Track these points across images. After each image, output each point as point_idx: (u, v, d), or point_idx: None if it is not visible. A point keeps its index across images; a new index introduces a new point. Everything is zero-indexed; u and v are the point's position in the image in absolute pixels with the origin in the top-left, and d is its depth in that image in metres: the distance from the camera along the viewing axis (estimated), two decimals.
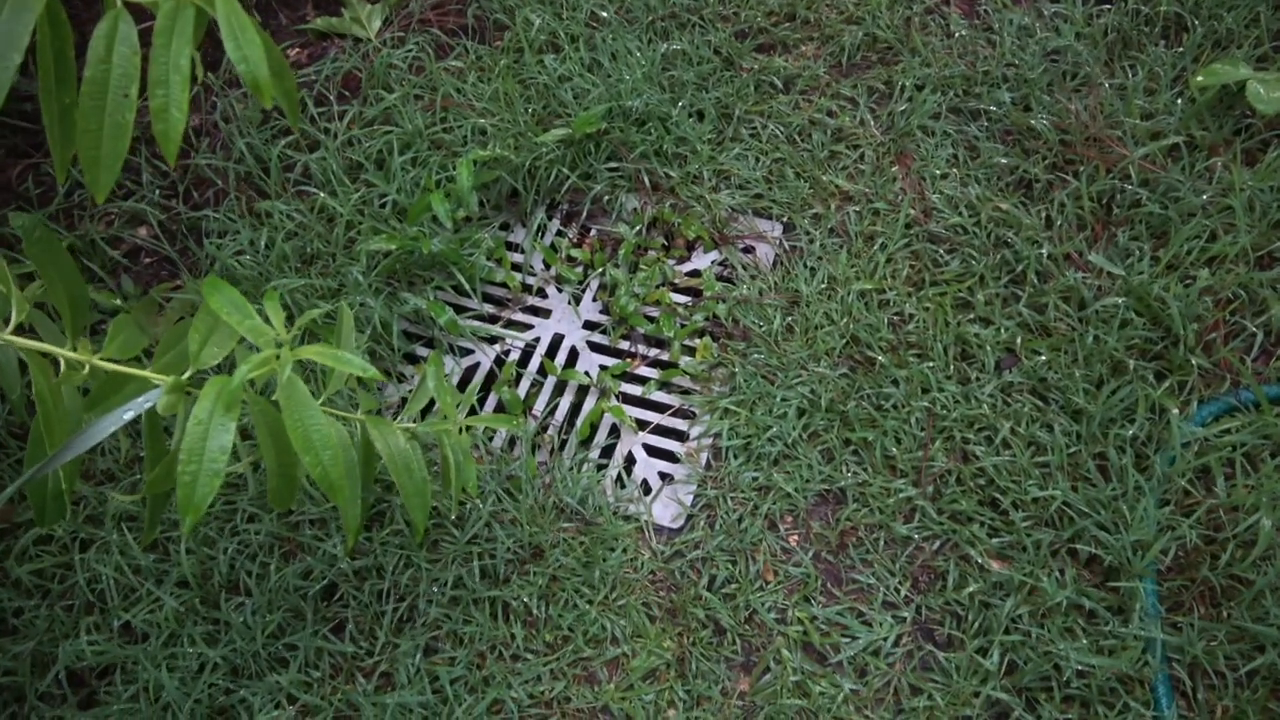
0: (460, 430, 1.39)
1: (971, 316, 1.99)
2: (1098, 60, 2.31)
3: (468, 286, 2.06)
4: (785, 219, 2.20)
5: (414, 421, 1.43)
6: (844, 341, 1.98)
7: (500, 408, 1.99)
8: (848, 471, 1.85)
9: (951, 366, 1.93)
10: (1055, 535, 1.71)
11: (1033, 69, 2.30)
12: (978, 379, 1.90)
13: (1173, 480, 1.71)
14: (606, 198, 2.23)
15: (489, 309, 2.13)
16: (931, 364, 1.92)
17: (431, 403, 1.95)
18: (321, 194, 2.12)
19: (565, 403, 2.00)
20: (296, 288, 1.97)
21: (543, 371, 2.04)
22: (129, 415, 0.95)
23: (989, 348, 1.93)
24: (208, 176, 2.26)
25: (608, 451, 1.95)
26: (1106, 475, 1.76)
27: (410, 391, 1.98)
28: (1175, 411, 1.76)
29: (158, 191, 2.26)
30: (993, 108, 2.28)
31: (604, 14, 2.41)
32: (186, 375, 0.99)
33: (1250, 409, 1.78)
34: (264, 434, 1.06)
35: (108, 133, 0.89)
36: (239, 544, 1.69)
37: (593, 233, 2.23)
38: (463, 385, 2.03)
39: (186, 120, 0.87)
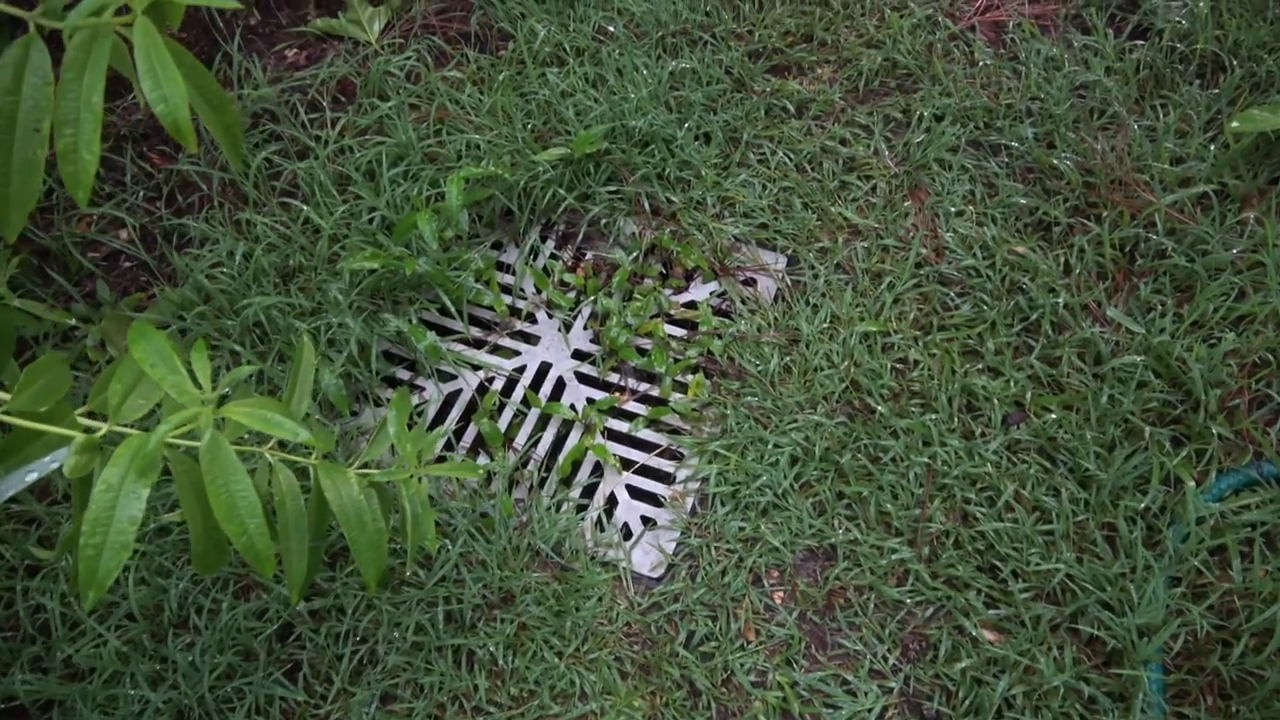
0: (419, 479, 1.30)
1: (980, 366, 1.89)
2: (1127, 98, 2.19)
3: (453, 309, 1.97)
4: (790, 251, 2.10)
5: (374, 466, 1.34)
6: (843, 386, 1.88)
7: (480, 440, 1.90)
8: (839, 527, 1.75)
9: (955, 419, 1.82)
10: (1056, 611, 1.61)
11: (1058, 104, 2.19)
12: (983, 434, 1.80)
13: (1185, 559, 1.60)
14: (604, 221, 2.14)
15: (475, 332, 2.04)
16: (934, 415, 1.82)
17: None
18: (304, 206, 2.04)
19: (548, 436, 1.91)
20: (273, 305, 1.89)
21: (526, 402, 1.95)
22: (31, 477, 0.87)
23: (996, 401, 1.82)
24: (193, 180, 2.18)
25: (589, 491, 1.86)
26: (1115, 548, 1.65)
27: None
28: (1191, 483, 1.65)
29: (141, 194, 2.18)
30: (1014, 143, 2.17)
31: (612, 28, 2.31)
32: (101, 433, 0.91)
33: (1272, 484, 1.67)
34: (188, 496, 0.98)
35: (16, 169, 0.80)
36: (193, 577, 1.61)
37: (588, 257, 2.14)
38: (443, 413, 1.95)
39: (98, 160, 0.78)
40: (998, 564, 1.67)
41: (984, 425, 1.81)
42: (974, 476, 1.76)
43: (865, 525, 1.74)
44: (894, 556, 1.70)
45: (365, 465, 1.31)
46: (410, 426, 1.88)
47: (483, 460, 1.87)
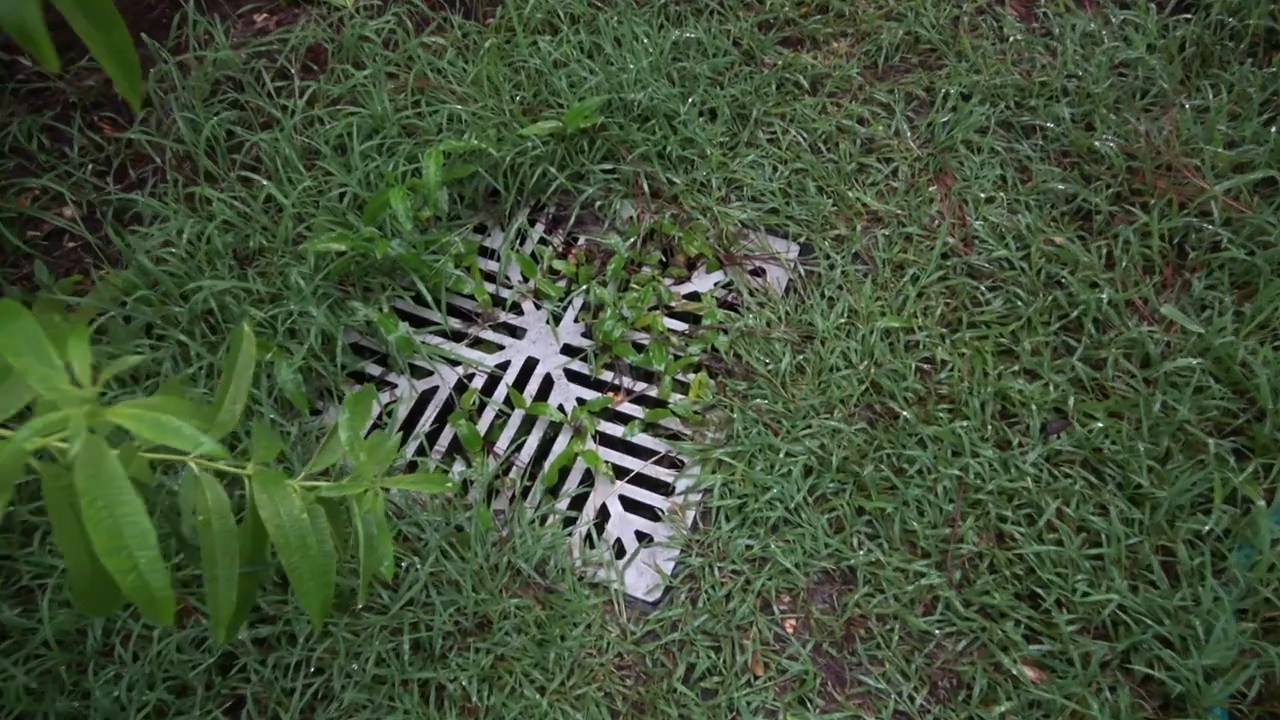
0: (376, 493, 1.10)
1: (1015, 368, 1.69)
2: (1173, 77, 2.00)
3: (429, 298, 1.77)
4: (803, 239, 1.90)
5: (330, 476, 1.14)
6: (863, 389, 1.69)
7: (457, 444, 1.70)
8: (859, 547, 1.56)
9: (989, 427, 1.63)
10: (1108, 648, 1.41)
11: (1097, 82, 2.00)
12: (1020, 445, 1.61)
13: (1255, 589, 1.41)
14: (599, 203, 1.94)
15: (454, 324, 1.84)
16: (965, 423, 1.62)
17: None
18: (266, 182, 1.83)
19: (533, 440, 1.71)
20: (226, 290, 1.69)
21: (510, 402, 1.75)
22: None
23: (1034, 407, 1.63)
24: (147, 153, 1.97)
25: (578, 502, 1.67)
26: (1173, 576, 1.46)
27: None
28: (1261, 502, 1.46)
29: (90, 167, 1.98)
30: (1049, 124, 1.98)
31: None
32: None
33: None
34: (63, 520, 0.78)
35: None
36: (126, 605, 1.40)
37: (580, 242, 1.94)
38: (417, 413, 1.75)
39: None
40: (1039, 592, 1.47)
41: (1021, 434, 1.62)
42: (1010, 492, 1.57)
43: (888, 545, 1.55)
44: (921, 581, 1.50)
45: (321, 475, 1.11)
46: (378, 428, 1.69)
47: (459, 468, 1.67)
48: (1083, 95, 2.01)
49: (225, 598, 1.03)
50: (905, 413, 1.64)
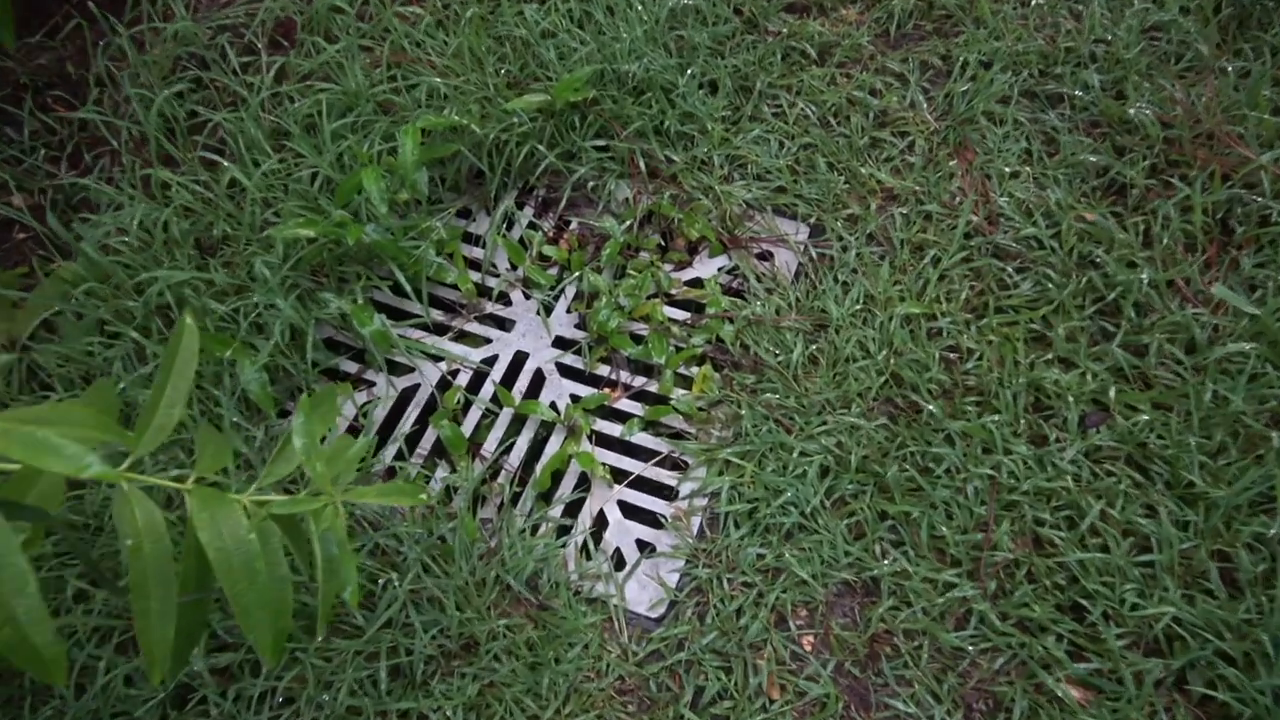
0: (335, 509, 0.96)
1: (1048, 356, 1.55)
2: (1209, 40, 1.85)
3: (408, 288, 1.62)
4: (813, 219, 1.75)
5: (278, 491, 1.00)
6: (882, 381, 1.54)
7: (440, 446, 1.56)
8: (883, 555, 1.41)
9: (1022, 421, 1.49)
10: (1162, 665, 1.27)
11: (1128, 47, 1.85)
12: (1057, 440, 1.46)
13: None
14: (592, 184, 1.79)
15: (436, 316, 1.70)
16: (996, 417, 1.48)
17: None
18: (227, 163, 1.69)
19: (523, 442, 1.57)
20: (184, 282, 1.54)
21: (497, 400, 1.60)
22: None
23: (1071, 399, 1.49)
24: (103, 135, 1.82)
25: (573, 509, 1.52)
26: (1234, 585, 1.32)
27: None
28: None
29: (42, 151, 1.83)
30: (1077, 92, 1.83)
31: None
32: None
33: None
34: None
35: None
36: (62, 629, 1.26)
37: (572, 226, 1.80)
38: (396, 413, 1.60)
39: None
40: (1084, 603, 1.33)
41: (1057, 428, 1.48)
42: (1047, 492, 1.43)
43: (914, 553, 1.41)
44: (952, 593, 1.36)
45: (279, 488, 0.96)
46: (354, 430, 1.54)
47: (443, 473, 1.53)
48: (1112, 61, 1.86)
49: (160, 634, 0.89)
50: (930, 406, 1.49)
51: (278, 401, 1.57)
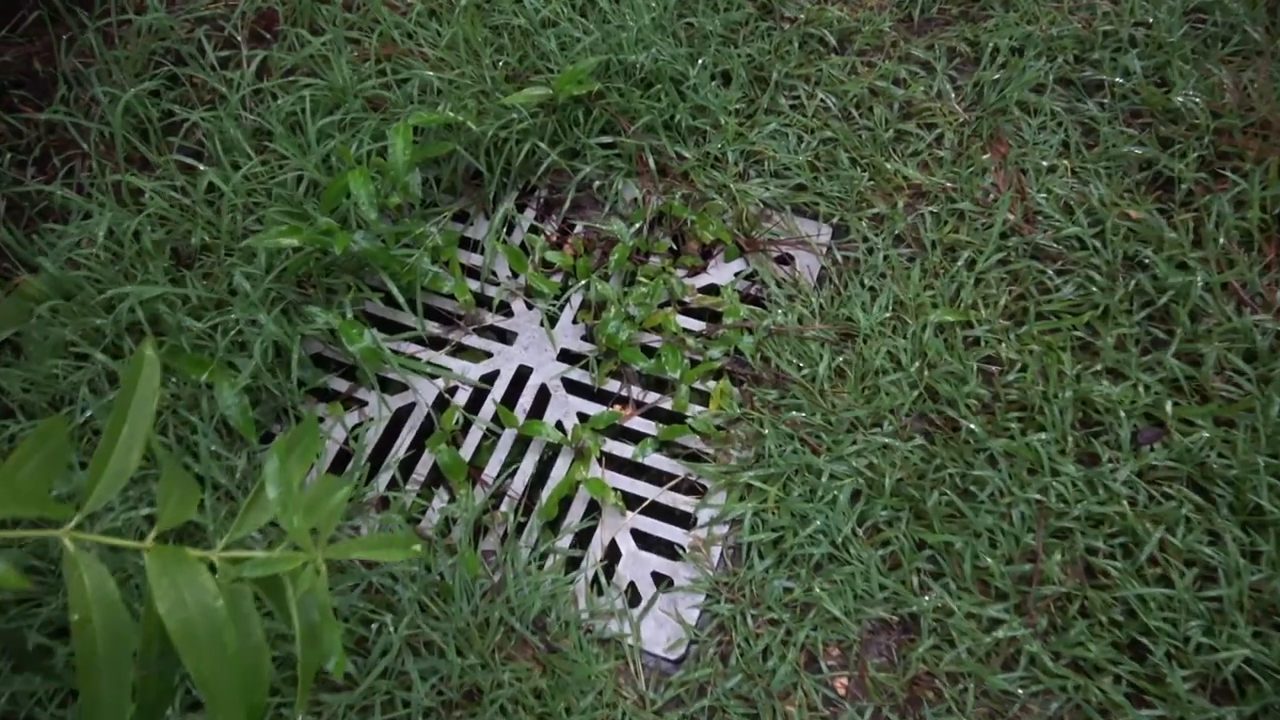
0: (317, 568, 0.84)
1: (1096, 367, 1.43)
2: (1257, 22, 1.73)
3: (401, 299, 1.50)
4: (835, 219, 1.63)
5: (261, 543, 0.89)
6: (915, 395, 1.43)
7: (436, 474, 1.44)
8: (921, 588, 1.30)
9: (1069, 439, 1.37)
10: (1235, 712, 1.16)
11: (1170, 30, 1.72)
12: (1109, 460, 1.35)
13: None
14: (597, 183, 1.67)
15: (433, 328, 1.58)
16: (1043, 435, 1.36)
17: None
18: (204, 167, 1.57)
19: (528, 465, 1.45)
20: (159, 297, 1.42)
21: (499, 420, 1.48)
22: None
23: (1123, 414, 1.37)
24: (72, 137, 1.70)
25: (583, 539, 1.41)
26: None
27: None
28: None
29: (8, 155, 1.70)
30: (1118, 79, 1.71)
31: None
32: None
33: None
34: None
35: None
36: (15, 695, 1.14)
37: (577, 229, 1.67)
38: (391, 434, 1.49)
39: None
40: (1144, 641, 1.22)
41: (1109, 447, 1.36)
42: (1100, 517, 1.31)
43: (956, 586, 1.29)
44: (999, 631, 1.24)
45: (251, 542, 0.84)
46: (345, 455, 1.42)
47: (440, 501, 1.41)
48: (1154, 45, 1.74)
49: (112, 713, 0.77)
50: (969, 424, 1.38)
51: (261, 425, 1.45)
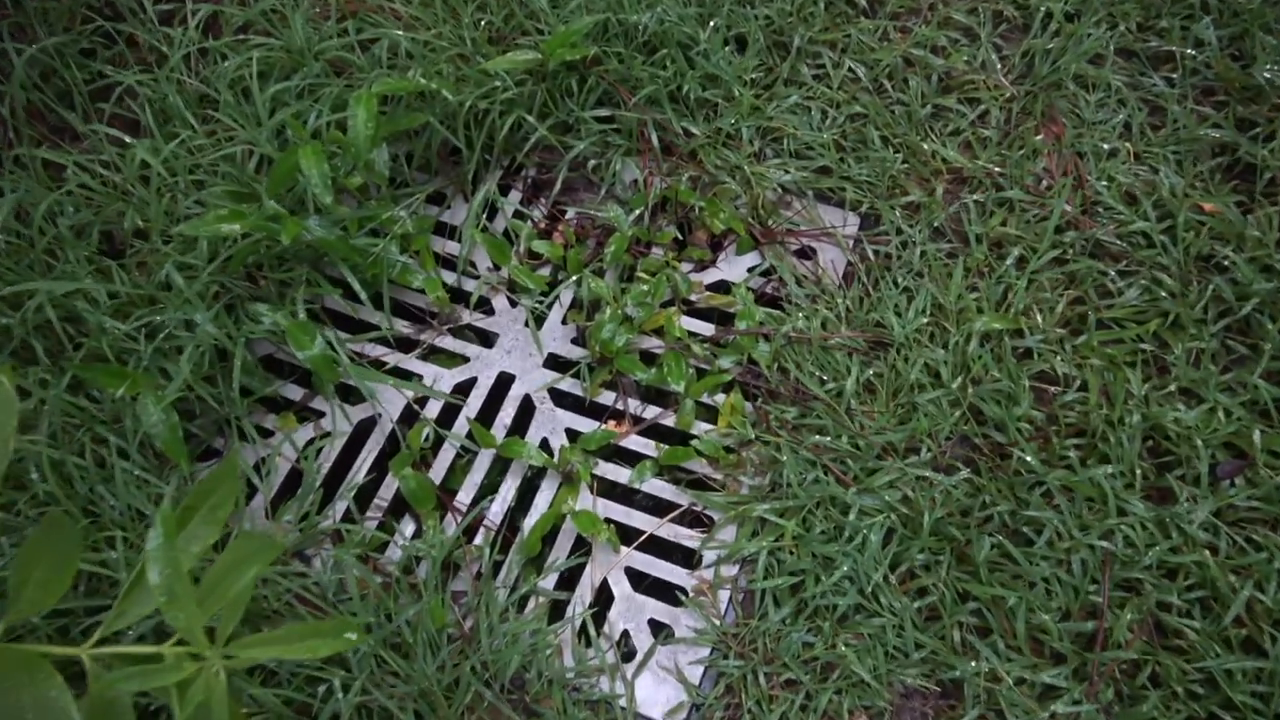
0: (215, 673, 0.64)
1: (1168, 387, 1.23)
2: None
3: (363, 295, 1.30)
4: (865, 207, 1.43)
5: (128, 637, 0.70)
6: (958, 416, 1.23)
7: (400, 500, 1.25)
8: (964, 647, 1.11)
9: (1137, 470, 1.17)
10: None
11: None
12: (1187, 498, 1.15)
13: None
14: (593, 163, 1.46)
15: (402, 328, 1.38)
16: (1107, 468, 1.17)
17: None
18: (131, 139, 1.36)
19: (508, 490, 1.26)
20: (77, 292, 1.22)
21: (475, 437, 1.29)
22: None
23: (1200, 443, 1.17)
24: None
25: (569, 580, 1.22)
26: None
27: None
28: None
29: None
30: (1189, 51, 1.50)
31: None
32: None
33: None
34: None
35: None
36: None
37: (569, 216, 1.47)
38: (351, 452, 1.29)
39: None
40: (1226, 718, 1.03)
41: (1184, 481, 1.17)
42: (1174, 567, 1.12)
43: (1006, 645, 1.10)
44: (1056, 705, 1.06)
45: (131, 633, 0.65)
46: (297, 476, 1.23)
47: (405, 536, 1.22)
48: (1229, 13, 1.52)
49: None
50: (1022, 453, 1.18)
51: (201, 440, 1.26)
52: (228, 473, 0.76)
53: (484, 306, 1.41)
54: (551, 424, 1.31)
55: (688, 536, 1.22)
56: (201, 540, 0.73)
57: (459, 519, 1.23)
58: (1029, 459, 1.18)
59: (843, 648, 1.11)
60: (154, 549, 0.64)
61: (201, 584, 0.69)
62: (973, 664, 1.09)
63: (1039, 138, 1.45)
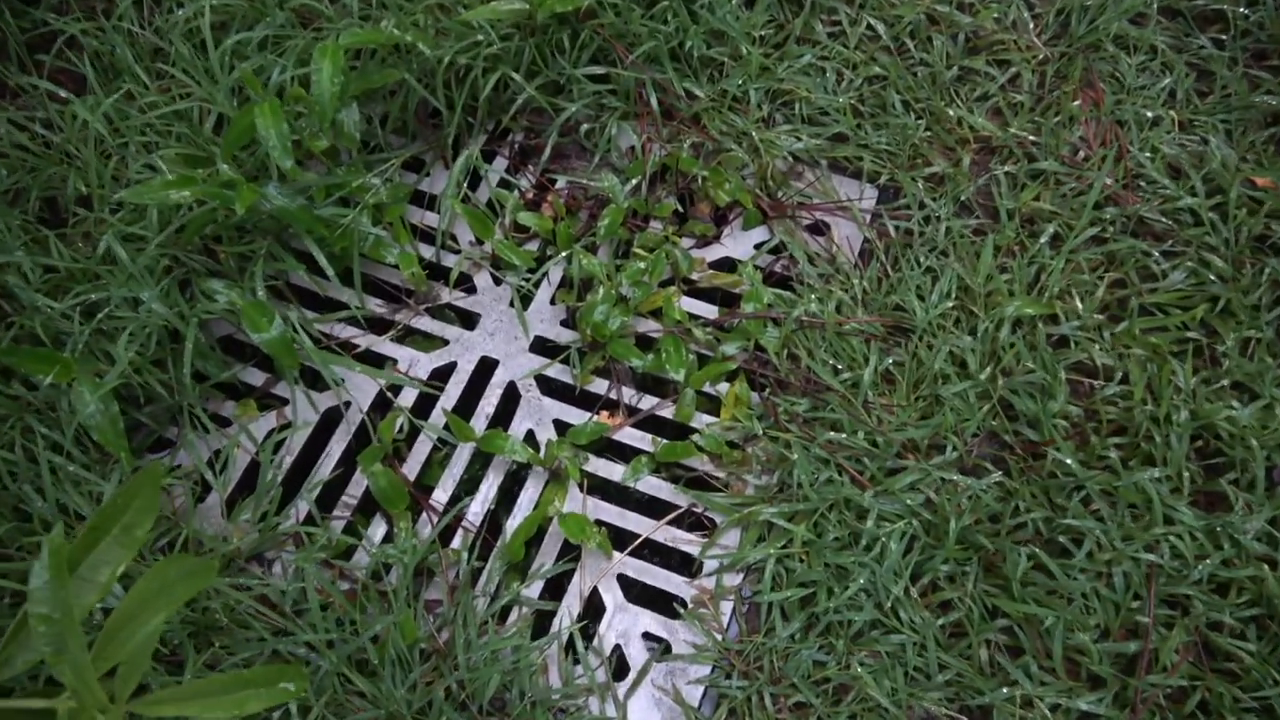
0: None
1: (1219, 381, 1.12)
2: None
3: (330, 271, 1.17)
4: (884, 179, 1.30)
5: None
6: (986, 411, 1.11)
7: (369, 499, 1.13)
8: (993, 668, 1.00)
9: (1185, 474, 1.06)
10: None
11: None
12: (1241, 505, 1.04)
13: None
14: (586, 127, 1.33)
15: (375, 307, 1.26)
16: (1154, 472, 1.05)
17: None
18: (67, 93, 1.22)
19: (489, 488, 1.14)
20: (14, 265, 1.09)
21: (453, 430, 1.17)
22: None
23: (1254, 443, 1.06)
24: None
25: (556, 588, 1.10)
26: None
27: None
28: None
29: None
30: (1240, 10, 1.37)
31: None
32: None
33: None
34: None
35: None
36: None
37: (559, 185, 1.34)
38: (318, 444, 1.17)
39: None
40: None
41: (1238, 488, 1.05)
42: (1226, 582, 1.01)
43: (1040, 668, 0.99)
44: None
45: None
46: (255, 470, 1.11)
47: (374, 540, 1.10)
48: None
49: None
50: (1057, 453, 1.07)
51: (151, 431, 1.14)
52: (145, 484, 0.64)
53: (465, 284, 1.29)
54: (538, 415, 1.19)
55: (687, 541, 1.11)
56: (112, 566, 0.61)
57: (435, 520, 1.11)
58: (1065, 460, 1.06)
59: (858, 668, 1.00)
60: (37, 588, 0.52)
61: (106, 624, 0.57)
62: (1004, 690, 0.98)
63: (1075, 104, 1.32)
